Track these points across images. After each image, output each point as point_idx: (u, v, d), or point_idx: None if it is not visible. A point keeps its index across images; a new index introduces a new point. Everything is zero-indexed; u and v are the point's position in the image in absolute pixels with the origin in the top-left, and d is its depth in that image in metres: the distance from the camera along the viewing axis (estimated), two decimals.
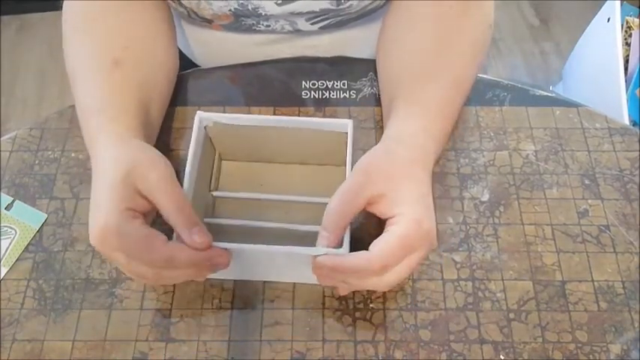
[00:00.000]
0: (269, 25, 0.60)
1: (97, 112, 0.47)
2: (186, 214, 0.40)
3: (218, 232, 0.50)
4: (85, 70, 0.50)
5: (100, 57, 0.50)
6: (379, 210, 0.42)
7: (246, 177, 0.54)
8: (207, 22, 0.59)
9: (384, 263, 0.39)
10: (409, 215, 0.40)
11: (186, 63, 0.72)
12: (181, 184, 0.43)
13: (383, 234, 0.41)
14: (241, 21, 0.58)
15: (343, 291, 0.45)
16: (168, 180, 0.41)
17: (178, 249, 0.40)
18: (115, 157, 0.43)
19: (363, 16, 0.60)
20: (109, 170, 0.42)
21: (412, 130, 0.46)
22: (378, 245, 0.40)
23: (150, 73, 0.52)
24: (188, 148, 0.47)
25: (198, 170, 0.47)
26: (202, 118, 0.48)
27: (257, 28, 0.60)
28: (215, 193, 0.52)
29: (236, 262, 0.45)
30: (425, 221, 0.41)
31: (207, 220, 0.50)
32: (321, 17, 0.58)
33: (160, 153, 0.45)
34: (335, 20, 0.59)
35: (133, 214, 0.40)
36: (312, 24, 0.60)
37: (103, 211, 0.40)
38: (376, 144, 0.46)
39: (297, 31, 0.61)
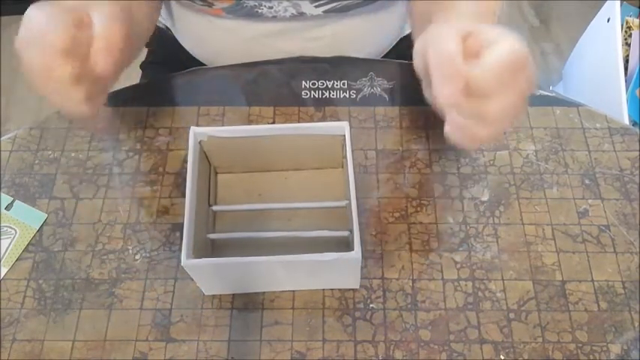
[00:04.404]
0: (271, 7, 0.59)
1: None
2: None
3: (222, 247, 0.50)
4: None
5: None
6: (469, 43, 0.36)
7: (244, 188, 0.54)
8: (207, 5, 0.59)
9: (501, 72, 0.34)
10: (508, 33, 0.35)
11: (187, 61, 0.71)
12: (182, 199, 0.42)
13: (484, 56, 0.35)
14: (243, 3, 0.58)
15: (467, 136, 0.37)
16: (116, 18, 0.39)
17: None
18: None
19: (367, 2, 0.60)
20: None
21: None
22: (489, 58, 0.34)
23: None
24: (188, 147, 0.47)
25: (198, 186, 0.47)
26: (197, 133, 0.48)
27: (259, 11, 0.59)
28: (215, 208, 0.51)
29: (239, 275, 0.45)
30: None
31: (210, 236, 0.49)
32: None
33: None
34: (340, 4, 0.59)
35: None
36: (316, 6, 0.59)
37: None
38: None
39: (301, 15, 0.60)
